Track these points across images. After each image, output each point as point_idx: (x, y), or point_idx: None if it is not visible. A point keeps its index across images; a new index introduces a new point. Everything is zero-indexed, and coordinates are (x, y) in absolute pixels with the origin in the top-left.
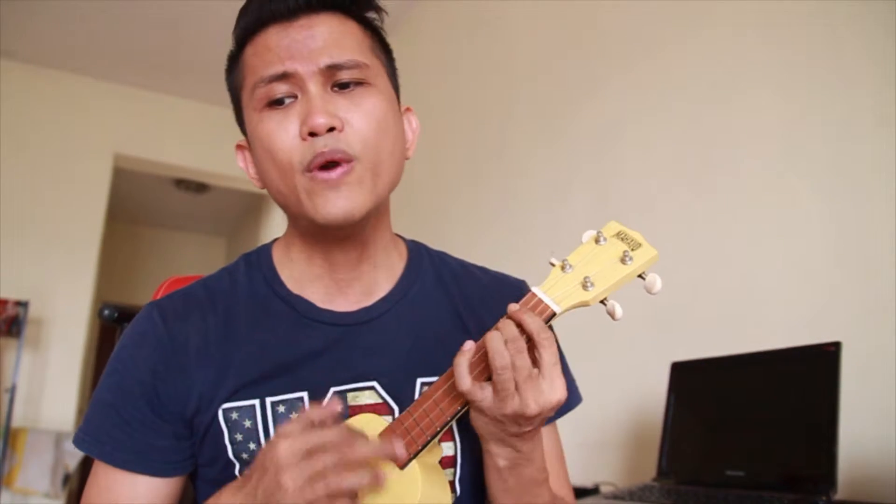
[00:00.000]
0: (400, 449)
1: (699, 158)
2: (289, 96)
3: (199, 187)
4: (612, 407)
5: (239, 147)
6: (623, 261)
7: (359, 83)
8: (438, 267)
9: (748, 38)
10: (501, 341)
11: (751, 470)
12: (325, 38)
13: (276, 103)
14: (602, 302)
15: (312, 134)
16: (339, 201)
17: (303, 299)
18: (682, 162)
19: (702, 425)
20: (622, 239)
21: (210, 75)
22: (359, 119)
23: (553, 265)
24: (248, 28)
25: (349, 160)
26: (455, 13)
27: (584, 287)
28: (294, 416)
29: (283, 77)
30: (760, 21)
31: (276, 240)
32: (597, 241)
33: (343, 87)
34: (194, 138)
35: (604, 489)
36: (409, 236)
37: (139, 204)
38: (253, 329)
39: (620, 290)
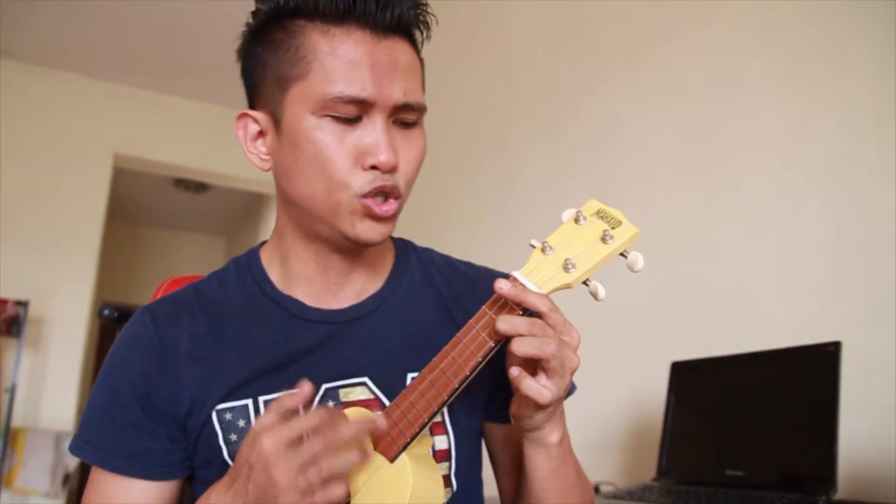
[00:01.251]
0: (381, 422)
1: (699, 157)
2: (356, 116)
3: (199, 187)
4: (612, 407)
5: (244, 115)
6: (604, 240)
7: (416, 123)
8: (425, 263)
9: (748, 38)
10: (534, 337)
11: (751, 470)
12: (403, 72)
13: (344, 120)
14: (584, 283)
15: (375, 167)
16: (382, 230)
17: (292, 299)
18: (682, 161)
19: (702, 425)
20: (602, 217)
21: (210, 75)
22: (408, 160)
23: (533, 247)
24: (329, 13)
25: (398, 197)
26: (455, 13)
27: (566, 269)
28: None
29: (360, 102)
30: (760, 21)
31: (263, 242)
32: (576, 220)
33: (404, 124)
34: (194, 138)
35: (604, 489)
36: (408, 234)
37: (139, 204)
38: (243, 330)
39: (620, 285)
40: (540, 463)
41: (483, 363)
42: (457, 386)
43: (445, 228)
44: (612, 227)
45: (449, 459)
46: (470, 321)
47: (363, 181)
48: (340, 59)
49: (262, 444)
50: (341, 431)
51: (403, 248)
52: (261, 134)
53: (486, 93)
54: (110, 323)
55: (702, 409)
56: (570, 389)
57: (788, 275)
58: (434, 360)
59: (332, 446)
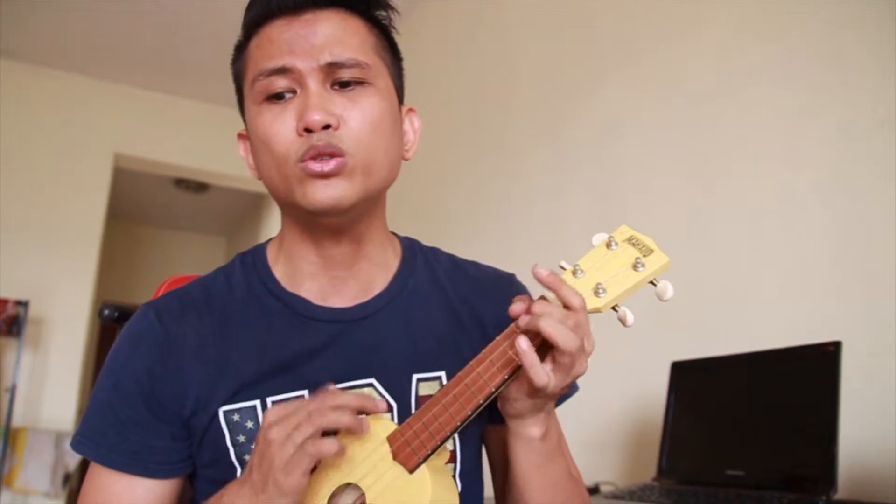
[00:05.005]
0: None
1: (699, 157)
2: (288, 91)
3: (199, 187)
4: (612, 407)
5: (240, 136)
6: (635, 267)
7: (359, 82)
8: (432, 263)
9: (748, 37)
10: (567, 327)
11: (751, 470)
12: (327, 35)
13: (276, 97)
14: (613, 308)
15: (308, 130)
16: (327, 190)
17: (298, 297)
18: (683, 161)
19: (702, 425)
20: (634, 244)
21: (210, 75)
22: (355, 117)
23: (564, 269)
24: (254, 20)
25: (342, 155)
26: (455, 13)
27: (596, 293)
28: None
29: (283, 71)
30: (760, 21)
31: (270, 239)
32: (608, 245)
33: (343, 85)
34: (194, 138)
35: (604, 489)
36: (408, 234)
37: (139, 204)
38: (249, 328)
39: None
40: (521, 456)
41: (509, 380)
42: (481, 402)
43: (445, 228)
44: (644, 255)
45: (454, 461)
46: (498, 338)
47: (298, 146)
48: (261, 46)
49: (267, 415)
50: (337, 396)
51: (410, 248)
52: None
53: (486, 92)
54: (110, 323)
55: (702, 409)
56: (571, 391)
57: (788, 275)
58: (459, 374)
59: (328, 407)
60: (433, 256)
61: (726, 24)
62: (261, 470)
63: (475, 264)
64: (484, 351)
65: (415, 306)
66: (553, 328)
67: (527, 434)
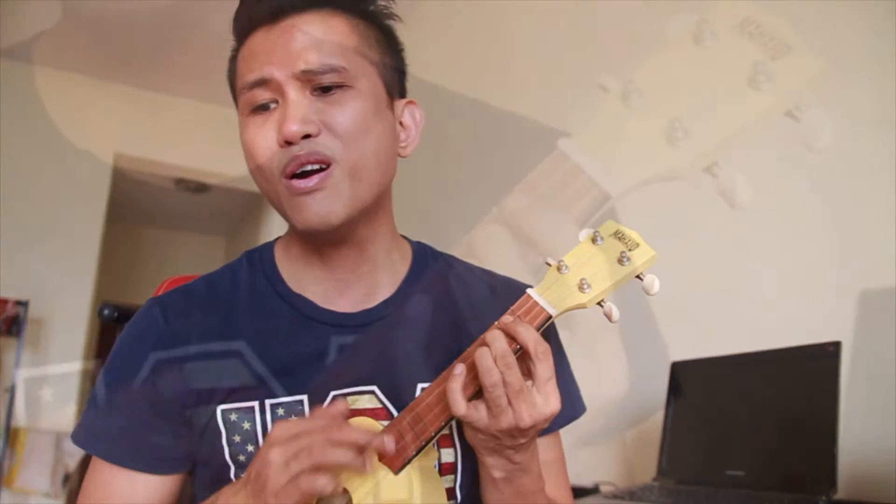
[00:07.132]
0: (389, 443)
1: (699, 157)
2: (272, 101)
3: (199, 187)
4: (612, 407)
5: None
6: (620, 261)
7: (339, 86)
8: (444, 270)
9: (748, 37)
10: (490, 358)
11: (751, 470)
12: (303, 42)
13: (260, 108)
14: (599, 304)
15: (288, 142)
16: (314, 207)
17: (303, 298)
18: (682, 160)
19: (702, 425)
20: (620, 239)
21: (210, 75)
22: (338, 122)
23: (549, 265)
24: (239, 33)
25: (326, 162)
26: (455, 13)
27: (581, 289)
28: (294, 418)
29: (263, 83)
30: (760, 21)
31: (278, 238)
32: (594, 240)
33: (324, 90)
34: (194, 138)
35: (604, 489)
36: (407, 236)
37: (139, 204)
38: (253, 328)
39: (619, 290)
40: (485, 487)
41: None
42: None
43: (445, 228)
44: (630, 249)
45: (454, 472)
46: (477, 349)
47: (280, 157)
48: (245, 58)
49: (272, 431)
50: (343, 431)
51: (421, 253)
52: None
53: (486, 92)
54: (110, 323)
55: (702, 409)
56: (576, 413)
57: (789, 275)
58: (444, 373)
59: (331, 442)
60: (445, 263)
61: (726, 25)
62: (256, 485)
63: (489, 272)
64: (466, 351)
65: (422, 313)
66: (480, 358)
67: (487, 469)
